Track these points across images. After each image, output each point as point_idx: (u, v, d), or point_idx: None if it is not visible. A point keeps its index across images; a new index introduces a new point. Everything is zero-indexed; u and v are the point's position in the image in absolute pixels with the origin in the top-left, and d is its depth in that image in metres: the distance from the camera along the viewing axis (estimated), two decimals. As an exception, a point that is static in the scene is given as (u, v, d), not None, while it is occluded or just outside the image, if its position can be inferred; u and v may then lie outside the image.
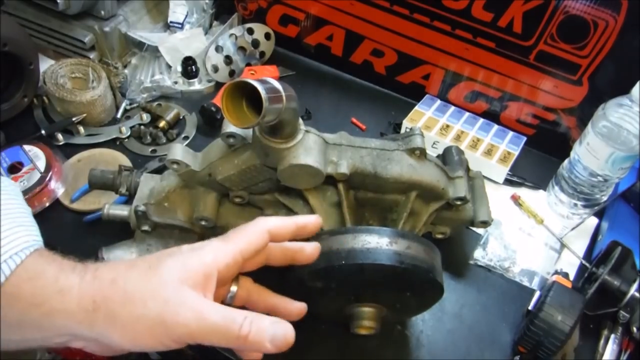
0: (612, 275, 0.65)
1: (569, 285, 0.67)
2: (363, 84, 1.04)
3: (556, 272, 0.71)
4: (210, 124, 0.89)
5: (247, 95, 0.46)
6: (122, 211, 0.65)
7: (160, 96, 0.94)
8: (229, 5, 1.06)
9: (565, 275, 0.70)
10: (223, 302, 0.42)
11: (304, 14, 1.00)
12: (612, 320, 0.69)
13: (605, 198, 0.80)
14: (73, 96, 0.82)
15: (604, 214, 0.82)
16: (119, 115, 0.89)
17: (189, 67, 0.93)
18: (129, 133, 0.86)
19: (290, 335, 0.38)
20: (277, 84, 0.48)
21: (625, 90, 0.70)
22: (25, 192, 0.73)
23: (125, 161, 0.81)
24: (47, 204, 0.74)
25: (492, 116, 0.94)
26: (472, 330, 0.68)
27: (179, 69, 0.95)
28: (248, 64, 1.01)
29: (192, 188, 0.64)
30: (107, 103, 0.87)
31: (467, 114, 0.94)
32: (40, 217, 0.73)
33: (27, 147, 0.78)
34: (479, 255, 0.76)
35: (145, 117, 0.88)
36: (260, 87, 0.44)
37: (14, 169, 0.76)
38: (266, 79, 0.47)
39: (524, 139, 0.91)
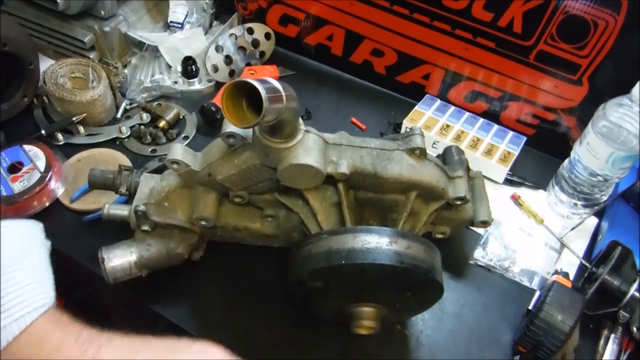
0: (612, 275, 0.65)
1: (569, 285, 0.67)
2: (363, 84, 1.04)
3: (556, 272, 0.71)
4: (210, 123, 0.89)
5: (247, 95, 0.46)
6: (122, 211, 0.65)
7: (160, 96, 0.94)
8: (229, 5, 1.06)
9: (565, 275, 0.70)
10: None
11: (304, 14, 1.00)
12: (612, 320, 0.69)
13: (605, 198, 0.80)
14: (73, 96, 0.82)
15: (604, 214, 0.82)
16: (119, 115, 0.89)
17: (189, 67, 0.93)
18: (129, 133, 0.86)
19: None
20: (277, 84, 0.48)
21: (625, 90, 0.70)
22: (25, 192, 0.73)
23: (125, 161, 0.81)
24: (47, 204, 0.74)
25: (492, 116, 0.94)
26: (472, 330, 0.68)
27: (179, 68, 0.95)
28: (248, 64, 1.01)
29: (192, 188, 0.64)
30: (107, 103, 0.87)
31: (467, 113, 0.94)
32: (40, 217, 0.73)
33: (27, 147, 0.78)
34: (479, 255, 0.76)
35: (145, 117, 0.88)
36: (260, 87, 0.44)
37: (14, 168, 0.76)
38: (266, 79, 0.47)
39: (524, 138, 0.91)
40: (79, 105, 0.83)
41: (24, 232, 0.47)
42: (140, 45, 0.96)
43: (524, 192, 0.86)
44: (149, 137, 0.86)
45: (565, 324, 0.60)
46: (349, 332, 0.59)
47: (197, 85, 0.95)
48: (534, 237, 0.80)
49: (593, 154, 0.73)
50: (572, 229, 0.80)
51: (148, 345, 0.41)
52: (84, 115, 0.84)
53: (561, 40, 0.80)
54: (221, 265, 0.71)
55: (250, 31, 1.01)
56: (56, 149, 0.81)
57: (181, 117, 0.91)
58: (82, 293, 0.89)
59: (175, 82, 0.94)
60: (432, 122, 0.91)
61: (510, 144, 0.89)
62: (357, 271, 0.53)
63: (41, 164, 0.76)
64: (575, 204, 0.80)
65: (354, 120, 0.95)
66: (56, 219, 0.74)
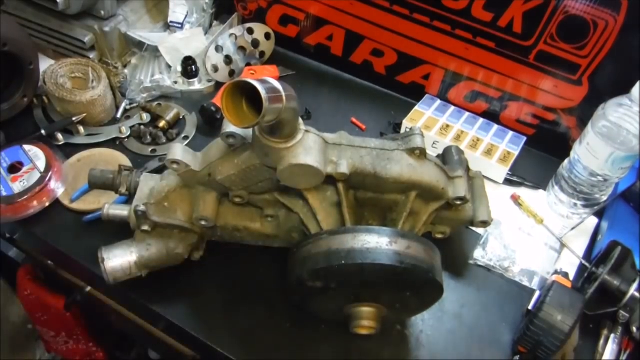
0: (612, 275, 0.65)
1: (569, 285, 0.67)
2: (363, 84, 1.04)
3: (556, 272, 0.71)
4: (210, 123, 0.89)
5: (247, 95, 0.46)
6: (122, 211, 0.65)
7: (160, 96, 0.94)
8: (229, 5, 1.06)
9: (565, 275, 0.70)
10: None
11: (304, 14, 1.00)
12: (612, 320, 0.69)
13: (605, 198, 0.80)
14: (73, 96, 0.82)
15: (603, 214, 0.82)
16: (119, 115, 0.89)
17: (189, 67, 0.93)
18: (129, 133, 0.86)
19: None
20: (277, 84, 0.48)
21: (625, 90, 0.70)
22: (25, 192, 0.73)
23: (125, 161, 0.81)
24: (47, 204, 0.74)
25: (492, 116, 0.94)
26: (472, 330, 0.68)
27: (179, 68, 0.95)
28: (248, 64, 1.01)
29: (192, 188, 0.64)
30: (107, 103, 0.87)
31: (467, 113, 0.94)
32: (40, 217, 0.74)
33: (27, 147, 0.78)
34: (479, 255, 0.76)
35: (145, 117, 0.88)
36: (260, 87, 0.44)
37: (14, 168, 0.76)
38: (266, 79, 0.47)
39: (524, 138, 0.91)
40: (79, 106, 0.83)
41: None
42: (140, 45, 0.96)
43: (524, 192, 0.86)
44: (149, 137, 0.86)
45: (565, 324, 0.60)
46: (349, 332, 0.59)
47: (197, 85, 0.95)
48: (533, 237, 0.80)
49: (593, 154, 0.73)
50: (572, 229, 0.80)
51: None
52: (84, 115, 0.84)
53: (561, 40, 0.80)
54: (221, 265, 0.71)
55: (250, 31, 1.01)
56: (56, 149, 0.81)
57: (181, 117, 0.91)
58: (82, 293, 0.89)
59: (175, 82, 0.94)
60: (432, 122, 0.91)
61: (510, 144, 0.89)
62: (357, 271, 0.53)
63: (41, 164, 0.76)
64: (575, 204, 0.80)
65: (354, 120, 0.95)
66: (56, 219, 0.74)
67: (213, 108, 0.88)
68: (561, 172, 0.82)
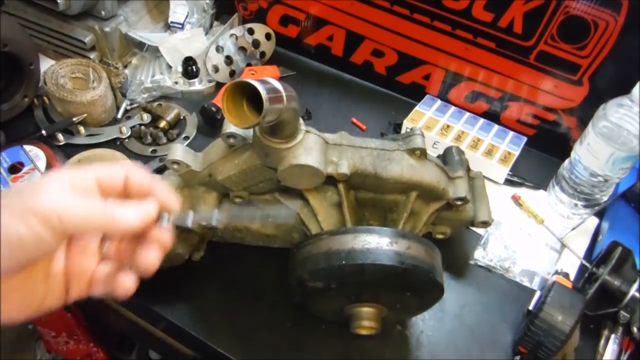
0: (612, 276, 0.65)
1: (569, 285, 0.67)
2: (363, 84, 1.04)
3: (556, 272, 0.71)
4: (210, 124, 0.89)
5: (248, 96, 0.46)
6: (123, 211, 0.65)
7: (161, 96, 0.94)
8: (230, 5, 1.06)
9: (566, 275, 0.70)
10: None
11: (305, 14, 1.00)
12: (613, 321, 0.69)
13: (605, 198, 0.80)
14: (73, 96, 0.82)
15: (604, 214, 0.82)
16: (119, 116, 0.89)
17: (190, 67, 0.93)
18: (129, 133, 0.86)
19: (152, 209, 0.38)
20: (277, 84, 0.48)
21: (625, 90, 0.70)
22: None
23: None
24: (48, 204, 0.74)
25: (492, 116, 0.94)
26: (472, 330, 0.68)
27: (180, 69, 0.95)
28: (248, 64, 1.01)
29: (193, 188, 0.64)
30: (107, 103, 0.87)
31: (468, 114, 0.94)
32: (41, 217, 0.73)
33: (27, 147, 0.78)
34: (479, 255, 0.76)
35: (146, 117, 0.89)
36: (260, 87, 0.44)
37: (14, 169, 0.76)
38: (266, 79, 0.47)
39: (525, 139, 0.91)
40: (79, 106, 0.83)
41: None
42: (140, 45, 0.96)
43: (525, 193, 0.86)
44: (149, 137, 0.86)
45: (565, 324, 0.60)
46: (349, 332, 0.59)
47: (197, 85, 0.96)
48: (534, 237, 0.80)
49: (593, 154, 0.73)
50: (573, 229, 0.80)
51: None
52: (85, 115, 0.84)
53: (561, 40, 0.80)
54: (221, 266, 0.71)
55: (251, 31, 1.01)
56: (57, 150, 0.81)
57: (182, 117, 0.91)
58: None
59: (176, 83, 0.95)
60: (432, 123, 0.91)
61: (510, 144, 0.89)
62: (357, 271, 0.53)
63: (42, 164, 0.76)
64: (576, 204, 0.80)
65: (354, 120, 0.95)
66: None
67: (213, 108, 0.88)
68: (562, 172, 0.82)
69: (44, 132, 0.82)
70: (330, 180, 0.60)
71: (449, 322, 0.69)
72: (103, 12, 0.90)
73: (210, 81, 0.97)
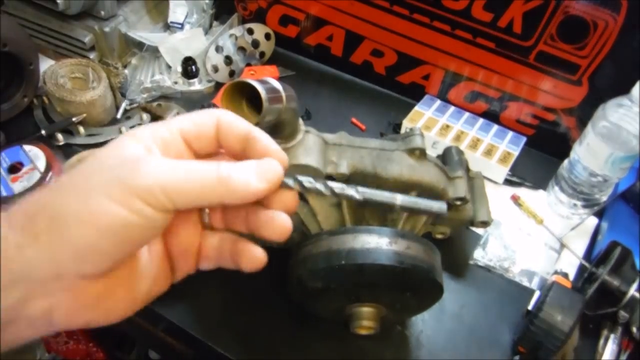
0: (611, 276, 0.65)
1: (569, 285, 0.67)
2: (363, 84, 1.04)
3: (556, 272, 0.71)
4: (210, 124, 0.89)
5: (247, 96, 0.46)
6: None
7: (160, 96, 0.94)
8: (229, 5, 1.06)
9: (565, 275, 0.70)
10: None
11: (304, 14, 1.00)
12: (612, 321, 0.69)
13: (605, 198, 0.80)
14: (73, 96, 0.82)
15: (603, 214, 0.82)
16: (119, 116, 0.89)
17: (189, 68, 0.93)
18: (129, 133, 0.86)
19: (277, 167, 0.32)
20: (277, 84, 0.48)
21: (625, 90, 0.70)
22: (25, 193, 0.73)
23: (125, 161, 0.81)
24: (47, 204, 0.74)
25: (492, 116, 0.95)
26: (472, 330, 0.68)
27: (179, 69, 0.95)
28: (248, 64, 1.01)
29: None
30: (107, 103, 0.87)
31: (467, 114, 0.94)
32: (40, 217, 0.73)
33: (27, 147, 0.78)
34: (479, 255, 0.76)
35: (146, 117, 0.89)
36: (260, 87, 0.44)
37: (14, 169, 0.76)
38: (266, 79, 0.47)
39: (524, 139, 0.91)
40: (79, 106, 0.83)
41: None
42: (140, 45, 0.96)
43: (524, 193, 0.86)
44: (149, 137, 0.86)
45: (565, 324, 0.60)
46: (349, 332, 0.59)
47: (197, 85, 0.96)
48: (533, 237, 0.80)
49: (593, 154, 0.73)
50: (572, 229, 0.80)
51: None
52: (84, 115, 0.84)
53: (561, 40, 0.80)
54: (221, 266, 0.71)
55: (250, 31, 1.01)
56: (56, 150, 0.81)
57: (181, 117, 0.91)
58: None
59: (175, 83, 0.94)
60: (431, 123, 0.91)
61: (510, 144, 0.89)
62: (357, 271, 0.53)
63: (41, 164, 0.76)
64: (575, 204, 0.80)
65: (354, 120, 0.95)
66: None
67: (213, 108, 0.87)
68: (561, 172, 0.82)
69: (43, 132, 0.82)
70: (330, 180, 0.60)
71: (449, 322, 0.69)
72: (102, 12, 0.90)
73: (209, 81, 0.97)
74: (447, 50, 0.91)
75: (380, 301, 0.58)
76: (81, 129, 0.85)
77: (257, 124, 0.47)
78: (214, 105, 0.88)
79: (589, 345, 0.68)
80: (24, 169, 0.76)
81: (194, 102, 0.93)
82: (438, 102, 0.96)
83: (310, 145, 0.57)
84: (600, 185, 0.77)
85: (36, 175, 0.75)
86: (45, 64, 0.88)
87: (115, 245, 0.27)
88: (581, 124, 0.87)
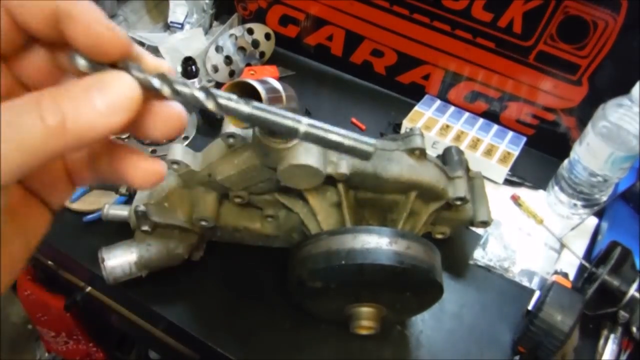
0: (611, 276, 0.65)
1: (569, 285, 0.67)
2: (363, 84, 1.04)
3: (556, 272, 0.71)
4: (210, 124, 0.89)
5: (247, 96, 0.46)
6: (122, 211, 0.65)
7: (160, 96, 0.94)
8: (229, 5, 1.06)
9: (565, 275, 0.70)
10: None
11: (304, 14, 1.00)
12: (612, 320, 0.69)
13: (605, 198, 0.80)
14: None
15: (603, 214, 0.82)
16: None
17: (189, 68, 0.93)
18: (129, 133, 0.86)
19: (127, 80, 0.21)
20: (277, 84, 0.48)
21: (625, 90, 0.70)
22: (25, 192, 0.73)
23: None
24: (47, 204, 0.74)
25: (492, 116, 0.95)
26: (471, 330, 0.68)
27: (179, 69, 0.95)
28: (248, 64, 1.01)
29: (192, 188, 0.64)
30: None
31: (467, 114, 0.94)
32: (40, 217, 0.73)
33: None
34: (479, 255, 0.76)
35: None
36: (260, 87, 0.44)
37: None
38: (266, 79, 0.47)
39: (524, 139, 0.91)
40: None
41: None
42: (140, 45, 0.96)
43: (524, 193, 0.86)
44: (149, 137, 0.86)
45: (565, 324, 0.60)
46: (349, 332, 0.59)
47: (197, 85, 0.95)
48: (533, 237, 0.80)
49: (593, 154, 0.73)
50: (572, 229, 0.80)
51: None
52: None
53: (561, 40, 0.80)
54: (221, 265, 0.71)
55: (250, 31, 1.01)
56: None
57: (181, 117, 0.91)
58: (82, 293, 0.89)
59: (175, 83, 0.94)
60: (431, 123, 0.91)
61: (510, 144, 0.89)
62: (356, 271, 0.53)
63: (41, 164, 0.76)
64: (575, 204, 0.80)
65: (354, 120, 0.95)
66: (56, 219, 0.73)
67: (213, 108, 0.87)
68: (561, 172, 0.82)
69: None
70: (330, 180, 0.60)
71: (449, 322, 0.69)
72: (103, 12, 0.90)
73: (209, 81, 0.97)
74: (447, 50, 0.91)
75: (380, 301, 0.58)
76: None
77: (257, 124, 0.48)
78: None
79: (589, 345, 0.68)
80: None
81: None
82: (438, 102, 0.96)
83: (310, 145, 0.57)
84: (600, 185, 0.77)
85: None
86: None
87: None
88: (581, 124, 0.87)
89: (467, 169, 0.73)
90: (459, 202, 0.66)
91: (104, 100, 0.20)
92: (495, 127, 0.92)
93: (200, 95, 0.24)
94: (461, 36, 0.88)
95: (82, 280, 0.87)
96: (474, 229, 0.78)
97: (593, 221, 0.82)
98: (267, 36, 1.03)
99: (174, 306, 0.67)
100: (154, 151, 0.85)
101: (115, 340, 1.19)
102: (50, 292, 0.98)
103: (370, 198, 0.64)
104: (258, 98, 0.45)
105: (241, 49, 1.00)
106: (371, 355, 0.65)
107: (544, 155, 0.93)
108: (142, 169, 0.24)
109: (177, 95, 0.23)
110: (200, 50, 0.96)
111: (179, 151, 0.61)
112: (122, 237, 0.64)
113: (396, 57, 0.97)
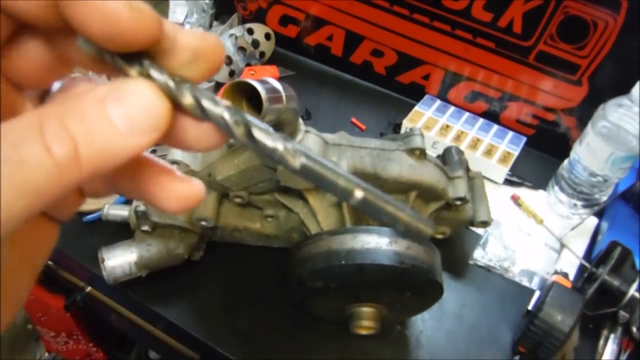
0: (611, 275, 0.65)
1: (569, 285, 0.67)
2: (363, 84, 1.04)
3: (556, 272, 0.71)
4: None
5: (247, 96, 0.46)
6: (122, 211, 0.65)
7: (160, 96, 0.94)
8: (229, 5, 1.06)
9: (565, 275, 0.70)
10: None
11: (304, 14, 1.00)
12: (612, 320, 0.69)
13: (605, 198, 0.80)
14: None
15: (603, 214, 0.82)
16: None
17: (189, 67, 0.93)
18: (129, 133, 0.86)
19: (151, 96, 0.17)
20: (277, 84, 0.48)
21: (625, 90, 0.70)
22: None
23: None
24: (47, 204, 0.74)
25: (492, 116, 0.95)
26: (471, 330, 0.68)
27: (179, 69, 0.95)
28: (248, 64, 1.01)
29: (192, 188, 0.64)
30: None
31: (467, 114, 0.94)
32: (40, 217, 0.73)
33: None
34: (479, 255, 0.76)
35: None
36: (260, 87, 0.44)
37: None
38: (266, 79, 0.47)
39: (524, 139, 0.91)
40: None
41: None
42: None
43: (524, 193, 0.86)
44: (149, 137, 0.86)
45: (565, 324, 0.60)
46: (349, 332, 0.59)
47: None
48: (533, 237, 0.80)
49: (593, 154, 0.73)
50: (572, 229, 0.80)
51: None
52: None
53: (561, 40, 0.80)
54: (221, 265, 0.71)
55: (250, 31, 1.01)
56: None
57: (181, 117, 0.91)
58: (82, 293, 0.89)
59: (175, 83, 0.94)
60: (431, 123, 0.91)
61: (510, 144, 0.89)
62: (356, 271, 0.53)
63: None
64: (575, 204, 0.80)
65: (354, 120, 0.95)
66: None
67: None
68: (561, 172, 0.82)
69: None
70: (330, 180, 0.60)
71: (449, 322, 0.69)
72: (102, 12, 0.90)
73: (209, 81, 0.97)
74: (447, 50, 0.91)
75: (380, 301, 0.58)
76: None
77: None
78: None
79: (589, 345, 0.68)
80: None
81: (194, 102, 0.93)
82: (438, 102, 0.96)
83: (310, 145, 0.57)
84: (600, 185, 0.77)
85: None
86: (45, 64, 0.88)
87: None
88: (581, 124, 0.87)
89: (467, 169, 0.73)
90: (459, 202, 0.66)
91: (124, 116, 0.16)
92: (495, 127, 0.92)
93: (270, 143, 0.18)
94: (461, 36, 0.88)
95: (82, 280, 0.87)
96: (474, 229, 0.78)
97: (593, 221, 0.82)
98: (267, 36, 1.03)
99: (174, 306, 0.67)
100: (153, 151, 0.85)
101: (115, 340, 1.19)
102: (50, 292, 0.98)
103: (370, 198, 0.64)
104: (258, 98, 0.45)
105: (241, 49, 1.00)
106: (371, 355, 0.65)
107: (544, 155, 0.93)
108: (177, 193, 0.20)
109: (230, 134, 0.18)
110: (200, 50, 0.96)
111: (179, 151, 0.61)
112: (122, 237, 0.64)
113: (396, 57, 0.97)
